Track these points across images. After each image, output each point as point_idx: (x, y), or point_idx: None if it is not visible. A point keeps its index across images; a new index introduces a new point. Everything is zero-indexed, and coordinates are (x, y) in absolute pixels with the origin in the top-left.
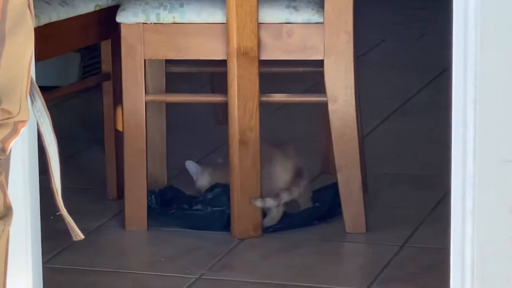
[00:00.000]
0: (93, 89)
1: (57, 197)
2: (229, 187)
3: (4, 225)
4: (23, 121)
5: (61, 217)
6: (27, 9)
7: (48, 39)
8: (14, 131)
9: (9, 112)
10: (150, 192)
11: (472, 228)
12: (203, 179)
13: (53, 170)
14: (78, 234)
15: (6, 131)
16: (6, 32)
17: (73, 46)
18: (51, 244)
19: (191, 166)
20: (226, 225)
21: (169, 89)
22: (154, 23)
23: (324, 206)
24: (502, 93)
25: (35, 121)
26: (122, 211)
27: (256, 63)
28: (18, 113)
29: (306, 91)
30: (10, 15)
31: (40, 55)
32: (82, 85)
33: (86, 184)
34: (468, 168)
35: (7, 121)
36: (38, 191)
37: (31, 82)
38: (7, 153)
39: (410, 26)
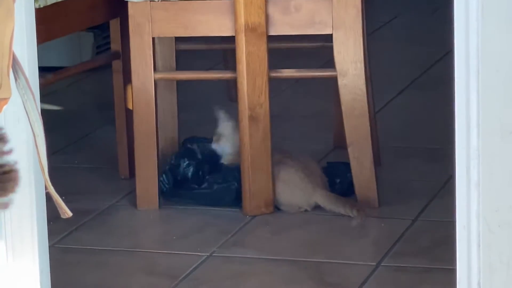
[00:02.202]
0: (105, 69)
1: (44, 174)
2: (235, 165)
3: None
4: (5, 99)
5: (77, 196)
6: None
7: (56, 19)
8: None
9: None
10: (162, 172)
11: (478, 201)
12: (224, 128)
13: (39, 147)
14: (66, 212)
15: None
16: None
17: (81, 25)
18: (62, 224)
19: (219, 112)
20: (234, 200)
21: (182, 67)
22: (161, 1)
23: (344, 185)
24: (505, 64)
25: (38, 100)
26: (133, 190)
27: (265, 39)
28: None
29: (321, 66)
30: None
31: (48, 35)
32: (91, 64)
33: (98, 163)
34: (472, 140)
35: None
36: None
37: (14, 59)
38: None
39: (425, 0)
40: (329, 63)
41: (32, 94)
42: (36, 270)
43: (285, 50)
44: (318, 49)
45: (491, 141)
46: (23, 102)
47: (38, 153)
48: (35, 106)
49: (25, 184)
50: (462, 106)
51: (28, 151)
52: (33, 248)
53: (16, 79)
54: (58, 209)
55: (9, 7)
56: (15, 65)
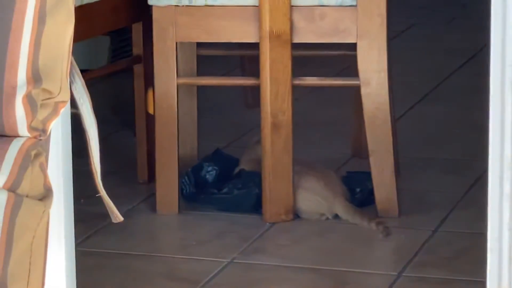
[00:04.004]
0: (122, 73)
1: (96, 178)
2: (256, 172)
3: (45, 207)
4: (64, 102)
5: (96, 199)
6: None
7: (79, 22)
8: (55, 112)
9: (50, 92)
10: (184, 173)
11: (510, 213)
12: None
13: (93, 151)
14: (117, 216)
15: (46, 112)
16: (47, 11)
17: (104, 28)
18: (82, 227)
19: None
20: (255, 206)
21: (199, 73)
22: (186, 6)
23: (364, 194)
24: None
25: (69, 102)
26: (152, 194)
27: (289, 46)
28: (59, 93)
29: (336, 75)
30: None
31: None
32: (113, 68)
33: (116, 167)
34: (506, 151)
35: (48, 101)
36: (72, 174)
37: (71, 62)
38: (48, 134)
39: (440, 10)
40: (345, 71)
41: (88, 97)
42: (62, 272)
43: (300, 57)
44: (334, 57)
45: None
46: (78, 106)
47: (91, 157)
48: (90, 110)
49: (53, 184)
50: (496, 117)
51: (57, 154)
52: (59, 250)
53: (72, 83)
54: (110, 213)
55: (70, 10)
56: (72, 68)
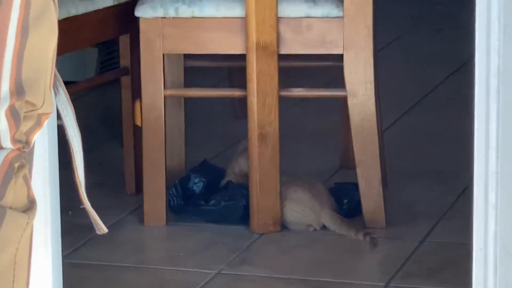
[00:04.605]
0: (110, 84)
1: (80, 190)
2: (243, 183)
3: (28, 219)
4: (47, 114)
5: (84, 211)
6: (51, 1)
7: (66, 34)
8: (38, 124)
9: (33, 104)
10: (171, 185)
11: (495, 223)
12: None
13: (77, 163)
14: (101, 228)
15: (30, 124)
16: (30, 24)
17: (91, 40)
18: (70, 239)
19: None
20: (242, 218)
21: (186, 84)
22: (173, 18)
23: (351, 205)
24: None
25: (55, 114)
26: (140, 206)
27: (275, 58)
28: (42, 105)
29: (324, 86)
30: (34, 6)
31: (58, 49)
32: (101, 79)
33: (104, 179)
34: (491, 162)
35: (31, 113)
36: (58, 185)
37: (55, 75)
38: (31, 145)
39: (427, 21)
40: (333, 82)
41: (72, 110)
42: (49, 284)
43: (286, 69)
44: (320, 68)
45: (510, 163)
46: (62, 118)
47: (75, 169)
48: (74, 122)
49: (40, 196)
50: (481, 128)
51: (44, 165)
52: (46, 262)
53: (56, 94)
54: (94, 225)
55: (53, 22)
56: (55, 80)
